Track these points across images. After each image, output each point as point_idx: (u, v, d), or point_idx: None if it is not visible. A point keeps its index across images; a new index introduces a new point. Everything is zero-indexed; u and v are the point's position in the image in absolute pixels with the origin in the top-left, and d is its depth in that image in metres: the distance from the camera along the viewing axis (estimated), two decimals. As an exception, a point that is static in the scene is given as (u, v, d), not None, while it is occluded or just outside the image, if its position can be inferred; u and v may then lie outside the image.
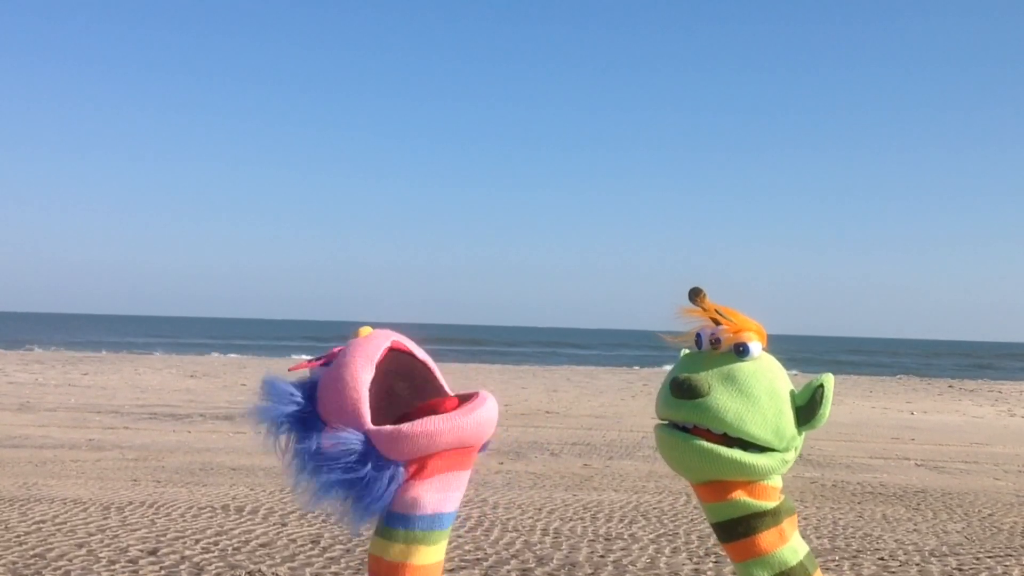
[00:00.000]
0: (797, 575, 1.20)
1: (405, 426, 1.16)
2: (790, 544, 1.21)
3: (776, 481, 1.22)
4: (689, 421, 1.19)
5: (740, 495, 1.20)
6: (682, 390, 1.18)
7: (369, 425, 1.17)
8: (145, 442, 5.81)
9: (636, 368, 20.61)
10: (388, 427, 1.16)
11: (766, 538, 1.20)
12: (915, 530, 3.48)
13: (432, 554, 1.19)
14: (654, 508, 3.75)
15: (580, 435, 6.77)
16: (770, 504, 1.21)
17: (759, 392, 1.19)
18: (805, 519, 3.62)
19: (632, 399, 10.84)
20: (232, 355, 22.25)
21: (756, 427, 1.18)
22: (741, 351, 1.21)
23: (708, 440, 1.17)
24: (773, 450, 1.20)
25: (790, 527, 1.22)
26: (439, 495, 1.19)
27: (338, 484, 1.18)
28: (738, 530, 1.20)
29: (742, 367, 1.20)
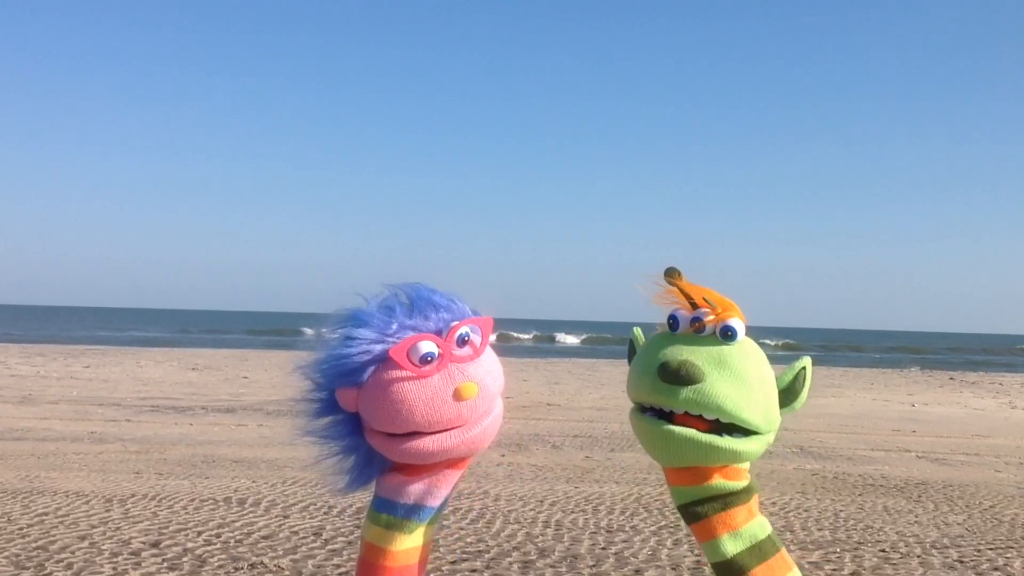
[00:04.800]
0: (766, 548, 1.17)
1: (425, 442, 1.11)
2: (759, 519, 1.19)
3: (747, 463, 1.20)
4: (683, 408, 1.11)
5: (717, 478, 1.16)
6: (677, 376, 1.10)
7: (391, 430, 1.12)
8: (147, 435, 5.82)
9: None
10: (405, 440, 1.11)
11: (739, 513, 1.17)
12: (916, 522, 3.48)
13: (408, 542, 1.18)
14: (656, 500, 3.75)
15: (582, 427, 6.77)
16: (742, 483, 1.18)
17: (752, 377, 1.13)
18: (806, 511, 3.63)
19: (633, 391, 10.83)
20: (233, 348, 22.26)
21: (750, 412, 1.13)
22: (729, 334, 1.14)
23: (696, 427, 1.12)
24: (758, 433, 1.16)
25: (756, 505, 1.20)
26: (423, 487, 1.17)
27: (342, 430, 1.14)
28: (712, 507, 1.17)
29: (732, 351, 1.14)
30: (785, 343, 35.53)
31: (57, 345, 20.21)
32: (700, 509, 1.17)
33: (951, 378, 16.13)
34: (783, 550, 1.21)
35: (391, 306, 1.15)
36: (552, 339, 37.88)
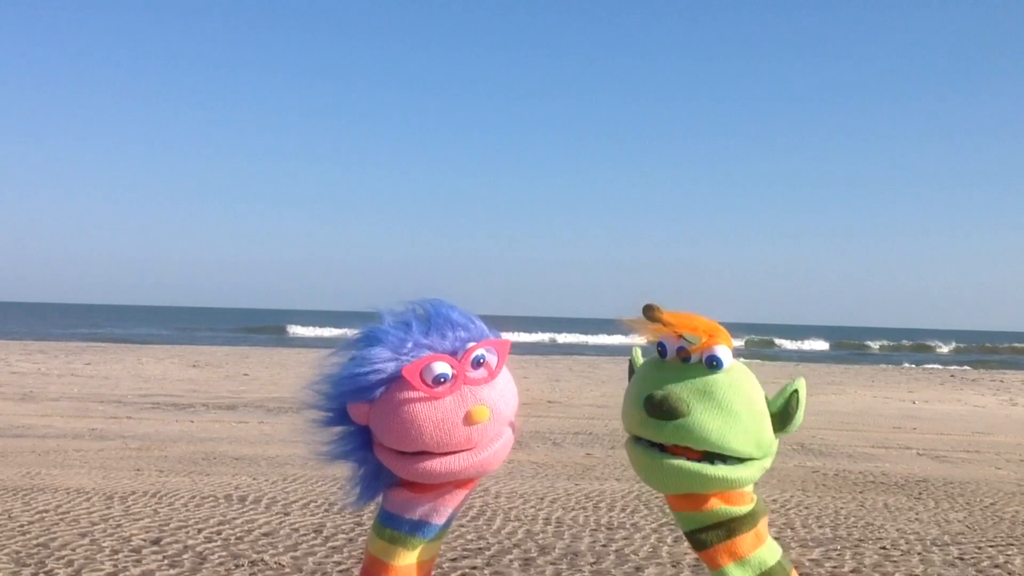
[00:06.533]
0: (777, 574, 1.16)
1: (433, 463, 1.11)
2: (767, 544, 1.18)
3: (750, 486, 1.18)
4: (669, 442, 1.12)
5: (716, 503, 1.15)
6: (660, 411, 1.10)
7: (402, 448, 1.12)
8: (148, 431, 5.82)
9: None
10: (413, 460, 1.11)
11: (745, 540, 1.16)
12: (917, 519, 3.48)
13: (411, 557, 1.17)
14: (656, 497, 3.75)
15: (582, 425, 6.78)
16: (746, 508, 1.17)
17: (738, 406, 1.12)
18: (807, 508, 3.63)
19: (634, 389, 10.83)
20: (234, 345, 22.26)
21: (738, 442, 1.12)
22: (715, 364, 1.13)
23: (688, 457, 1.12)
24: (752, 459, 1.15)
25: (765, 528, 1.19)
26: (430, 504, 1.16)
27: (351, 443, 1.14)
28: (716, 535, 1.16)
29: (718, 381, 1.13)
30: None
31: (58, 342, 20.22)
32: (704, 537, 1.16)
33: (952, 375, 16.12)
34: (794, 573, 1.19)
35: (408, 322, 1.14)
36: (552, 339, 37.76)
